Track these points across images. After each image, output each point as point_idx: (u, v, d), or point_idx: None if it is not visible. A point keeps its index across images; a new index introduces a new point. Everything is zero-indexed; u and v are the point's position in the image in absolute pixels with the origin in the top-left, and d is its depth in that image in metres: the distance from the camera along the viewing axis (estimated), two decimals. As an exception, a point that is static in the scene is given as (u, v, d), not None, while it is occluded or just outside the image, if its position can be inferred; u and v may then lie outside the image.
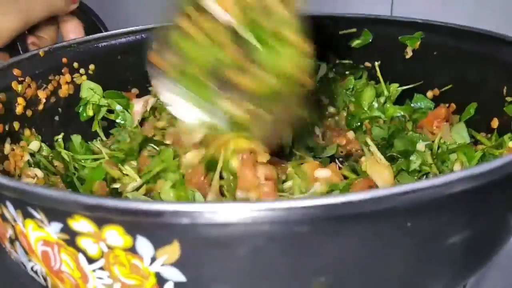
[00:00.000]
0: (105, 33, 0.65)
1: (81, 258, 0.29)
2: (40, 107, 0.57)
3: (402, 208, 0.26)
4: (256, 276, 0.27)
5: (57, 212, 0.28)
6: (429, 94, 0.59)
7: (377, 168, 0.41)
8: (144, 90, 0.68)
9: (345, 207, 0.24)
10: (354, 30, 0.67)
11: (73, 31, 0.65)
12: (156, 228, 0.26)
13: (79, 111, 0.61)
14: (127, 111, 0.63)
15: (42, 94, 0.57)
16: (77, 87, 0.62)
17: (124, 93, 0.65)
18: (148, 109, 0.63)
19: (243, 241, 0.26)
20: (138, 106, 0.63)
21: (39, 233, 0.30)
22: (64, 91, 0.60)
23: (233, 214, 0.24)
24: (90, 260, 0.29)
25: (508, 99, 0.49)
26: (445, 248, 0.29)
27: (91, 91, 0.60)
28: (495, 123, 0.49)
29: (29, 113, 0.56)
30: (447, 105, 0.56)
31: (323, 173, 0.40)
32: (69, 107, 0.61)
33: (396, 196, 0.24)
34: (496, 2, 0.79)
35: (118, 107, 0.62)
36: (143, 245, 0.27)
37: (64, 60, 0.60)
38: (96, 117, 0.62)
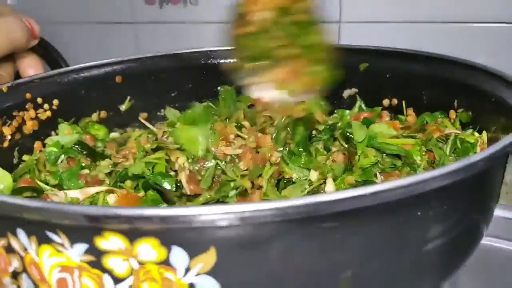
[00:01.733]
0: (67, 68, 0.64)
1: (106, 279, 0.28)
2: (5, 144, 0.55)
3: (416, 197, 0.28)
4: (287, 276, 0.28)
5: (83, 232, 0.27)
6: (385, 102, 0.65)
7: None
8: (108, 124, 0.68)
9: (371, 198, 0.26)
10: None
11: (32, 66, 0.63)
12: (194, 236, 0.26)
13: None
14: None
15: (7, 131, 0.55)
16: (42, 123, 0.60)
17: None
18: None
19: (277, 240, 0.27)
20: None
21: (56, 258, 0.29)
22: (28, 127, 0.58)
23: (268, 213, 0.25)
24: (117, 280, 0.28)
25: (460, 110, 0.55)
26: (445, 236, 0.32)
27: None
28: (452, 114, 0.55)
29: (-6, 150, 0.53)
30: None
31: None
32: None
33: (415, 184, 0.27)
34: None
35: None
36: (178, 256, 0.27)
37: (28, 95, 0.58)
38: None
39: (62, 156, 0.57)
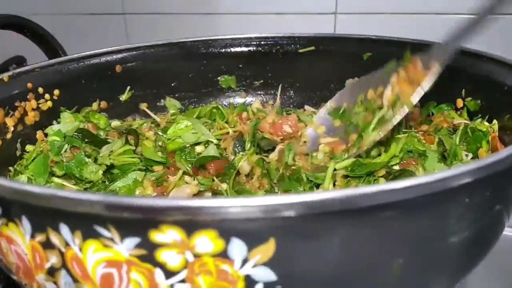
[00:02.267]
0: (67, 57, 0.62)
1: (158, 273, 0.27)
2: (8, 135, 0.52)
3: (466, 186, 0.29)
4: (345, 264, 0.28)
5: (138, 225, 0.26)
6: None
7: None
8: (109, 114, 0.66)
9: (431, 186, 0.26)
10: (312, 48, 0.72)
11: None
12: (255, 227, 0.26)
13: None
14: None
15: (10, 122, 0.52)
16: (43, 114, 0.57)
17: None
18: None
19: (337, 230, 0.27)
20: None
21: (103, 253, 0.28)
22: (30, 118, 0.56)
23: (329, 203, 0.25)
24: (169, 274, 0.27)
25: (468, 99, 0.56)
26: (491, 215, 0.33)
27: None
28: (459, 103, 0.56)
29: (-2, 142, 0.51)
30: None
31: None
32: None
33: (465, 174, 0.27)
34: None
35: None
36: (237, 247, 0.26)
37: (29, 85, 0.56)
38: None
39: (66, 146, 0.55)
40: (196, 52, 0.71)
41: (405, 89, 0.48)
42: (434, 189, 0.26)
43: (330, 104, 0.57)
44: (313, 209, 0.25)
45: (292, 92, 0.74)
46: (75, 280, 0.30)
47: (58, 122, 0.59)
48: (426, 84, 0.47)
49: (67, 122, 0.58)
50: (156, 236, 0.26)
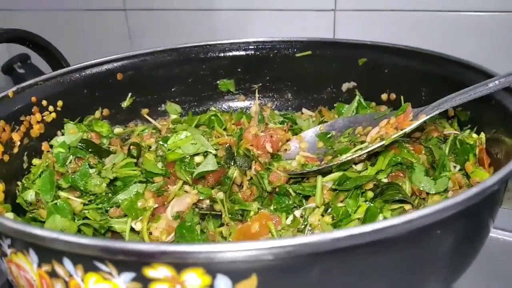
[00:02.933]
0: (69, 68, 0.64)
1: (152, 303, 0.30)
2: (15, 150, 0.55)
3: (437, 221, 0.31)
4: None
5: (133, 263, 0.29)
6: (384, 96, 0.67)
7: None
8: (111, 121, 0.68)
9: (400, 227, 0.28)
10: (309, 52, 0.73)
11: None
12: (238, 266, 0.28)
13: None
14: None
15: (16, 137, 0.55)
16: (47, 125, 0.60)
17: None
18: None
19: (315, 267, 0.29)
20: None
21: (103, 285, 0.31)
22: (35, 131, 0.58)
23: (310, 247, 0.27)
24: (162, 304, 0.30)
25: (458, 109, 0.57)
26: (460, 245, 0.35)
27: None
28: (450, 112, 0.58)
29: (6, 158, 0.53)
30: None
31: None
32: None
33: (438, 212, 0.29)
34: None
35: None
36: (222, 282, 0.29)
37: (33, 99, 0.58)
38: None
39: (71, 157, 0.58)
40: (195, 57, 0.73)
41: (389, 132, 0.50)
42: (402, 230, 0.29)
43: (321, 127, 0.60)
44: (289, 253, 0.27)
45: (290, 95, 0.76)
46: (78, 305, 0.33)
47: (63, 133, 0.61)
48: (409, 129, 0.50)
49: (71, 133, 0.61)
50: (149, 272, 0.29)
